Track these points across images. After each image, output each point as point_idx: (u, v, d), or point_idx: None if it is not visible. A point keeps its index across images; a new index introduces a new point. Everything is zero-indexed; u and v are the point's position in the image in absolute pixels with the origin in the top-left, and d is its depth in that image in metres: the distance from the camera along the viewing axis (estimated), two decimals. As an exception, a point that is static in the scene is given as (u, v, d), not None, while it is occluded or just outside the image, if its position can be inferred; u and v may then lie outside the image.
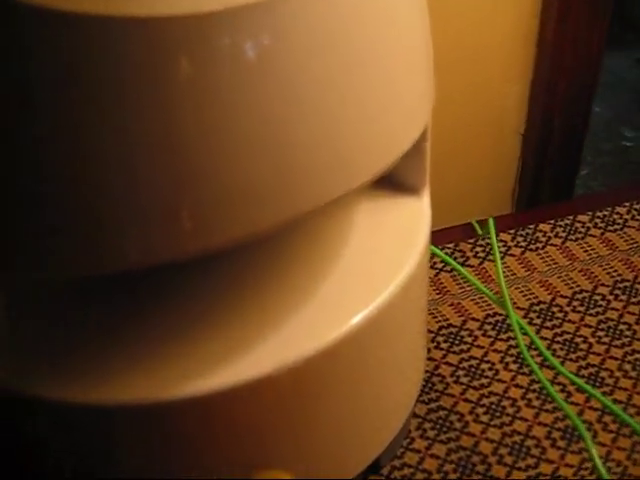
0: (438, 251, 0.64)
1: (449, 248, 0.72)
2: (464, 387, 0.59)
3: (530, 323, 0.63)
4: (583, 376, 0.58)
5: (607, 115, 1.65)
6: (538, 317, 0.64)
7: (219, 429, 0.39)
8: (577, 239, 0.74)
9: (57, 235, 0.32)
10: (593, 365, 0.60)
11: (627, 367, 0.59)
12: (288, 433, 0.42)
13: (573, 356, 0.61)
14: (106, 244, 0.32)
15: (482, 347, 0.62)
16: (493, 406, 0.57)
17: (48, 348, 0.40)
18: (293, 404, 0.41)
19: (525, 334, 0.60)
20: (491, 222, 0.66)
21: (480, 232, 0.70)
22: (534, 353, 0.60)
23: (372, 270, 0.44)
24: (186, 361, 0.39)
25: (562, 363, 0.60)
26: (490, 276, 0.69)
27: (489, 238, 0.70)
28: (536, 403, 0.58)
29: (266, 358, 0.39)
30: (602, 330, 0.64)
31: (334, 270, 0.44)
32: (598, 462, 0.50)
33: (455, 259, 0.71)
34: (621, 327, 0.64)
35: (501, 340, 0.63)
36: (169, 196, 0.32)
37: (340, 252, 0.45)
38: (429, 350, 0.61)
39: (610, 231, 0.75)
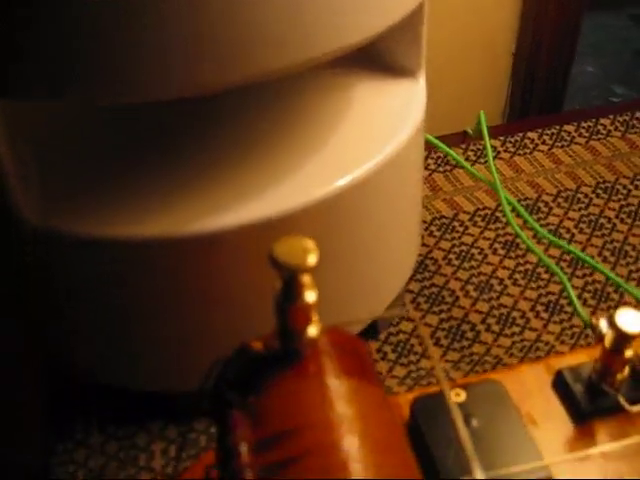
0: (436, 141, 0.68)
1: (442, 153, 0.76)
2: (455, 268, 0.63)
3: (517, 216, 0.68)
4: (565, 260, 0.63)
5: (599, 73, 1.68)
6: (525, 210, 0.69)
7: (243, 261, 0.44)
8: (563, 146, 0.78)
9: (103, 67, 0.36)
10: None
11: (606, 254, 0.64)
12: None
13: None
14: (144, 75, 0.36)
15: (472, 235, 0.67)
16: (482, 284, 0.62)
17: (80, 189, 0.44)
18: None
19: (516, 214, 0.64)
20: (482, 115, 0.70)
21: (472, 133, 0.74)
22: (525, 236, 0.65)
23: (373, 133, 0.48)
24: (212, 198, 0.43)
25: (545, 250, 0.64)
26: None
27: (480, 143, 0.74)
28: (522, 282, 0.62)
29: (284, 197, 0.43)
30: (584, 223, 0.68)
31: (339, 130, 0.48)
32: (573, 296, 0.55)
33: (448, 162, 0.75)
34: (601, 220, 0.69)
35: (489, 230, 0.67)
36: (192, 36, 0.36)
37: (344, 118, 0.50)
38: (423, 237, 0.65)
39: (594, 140, 0.79)
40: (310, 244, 0.29)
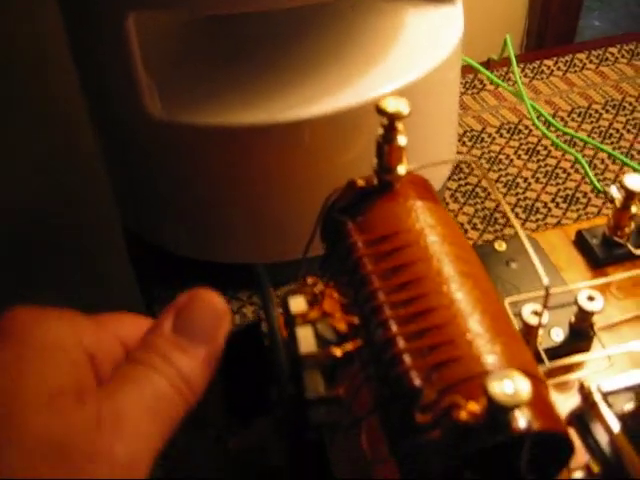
0: (471, 61, 0.79)
1: (469, 77, 0.87)
2: (486, 170, 0.75)
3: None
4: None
5: (606, 27, 1.77)
6: (544, 124, 0.80)
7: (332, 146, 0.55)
8: (575, 71, 0.89)
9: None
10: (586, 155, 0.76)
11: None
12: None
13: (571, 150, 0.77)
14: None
15: (499, 145, 0.78)
16: (509, 182, 0.73)
17: (194, 87, 0.56)
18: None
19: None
20: (508, 37, 0.80)
21: (496, 58, 0.85)
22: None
23: (418, 50, 0.59)
24: (303, 93, 0.55)
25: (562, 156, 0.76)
26: (505, 99, 0.85)
27: (502, 69, 0.85)
28: (543, 180, 0.74)
29: (359, 93, 0.55)
30: (595, 133, 0.80)
31: (389, 47, 0.60)
32: (593, 179, 0.66)
33: (474, 86, 0.86)
34: (611, 131, 0.80)
35: (514, 140, 0.78)
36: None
37: (393, 37, 0.61)
38: (457, 147, 0.77)
39: (604, 65, 0.90)
40: (403, 101, 0.40)
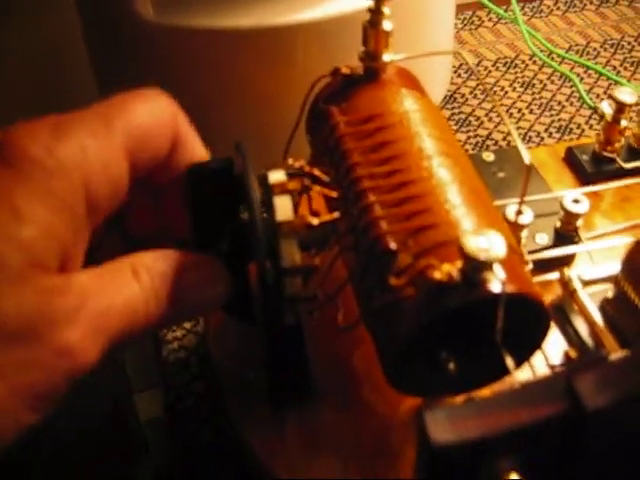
0: None
1: (468, 13, 0.86)
2: (479, 100, 0.74)
3: (534, 63, 0.78)
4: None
5: None
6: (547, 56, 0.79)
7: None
8: (575, 11, 0.88)
9: None
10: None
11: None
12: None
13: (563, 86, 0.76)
14: None
15: (495, 77, 0.77)
16: (503, 113, 0.72)
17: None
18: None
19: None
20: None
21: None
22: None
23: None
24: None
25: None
26: (503, 35, 0.84)
27: (502, 6, 0.84)
28: (537, 112, 0.73)
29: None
30: (586, 74, 0.79)
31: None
32: (583, 94, 0.66)
33: (473, 22, 0.85)
34: (608, 68, 0.79)
35: (509, 73, 0.78)
36: None
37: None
38: (452, 78, 0.76)
39: (604, 7, 0.89)
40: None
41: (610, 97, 0.53)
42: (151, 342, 0.56)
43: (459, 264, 0.30)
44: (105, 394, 0.52)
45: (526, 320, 0.32)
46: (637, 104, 0.54)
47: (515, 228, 0.45)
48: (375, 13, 0.40)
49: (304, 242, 0.37)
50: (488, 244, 0.29)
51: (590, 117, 0.72)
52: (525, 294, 0.31)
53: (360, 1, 0.52)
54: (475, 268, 0.29)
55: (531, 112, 0.73)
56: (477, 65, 0.79)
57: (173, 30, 0.53)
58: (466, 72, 0.78)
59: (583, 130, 0.71)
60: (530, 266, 0.44)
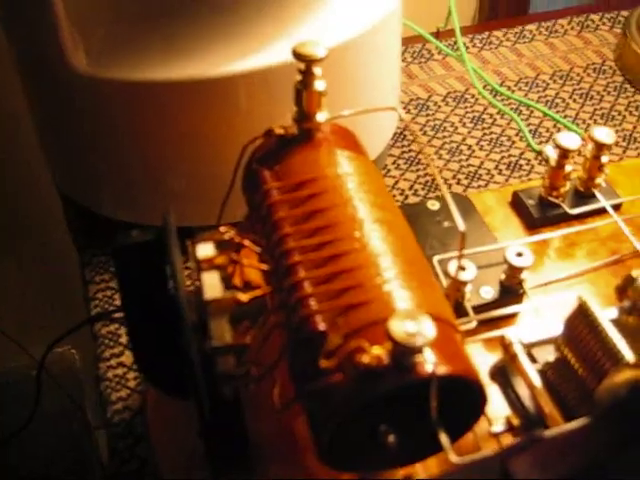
0: (414, 26, 0.78)
1: (417, 47, 0.86)
2: (430, 137, 0.73)
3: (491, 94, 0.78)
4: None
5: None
6: (490, 93, 0.79)
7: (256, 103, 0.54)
8: (525, 42, 0.88)
9: None
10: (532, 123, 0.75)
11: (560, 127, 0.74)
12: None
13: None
14: None
15: (444, 112, 0.77)
16: (453, 149, 0.72)
17: (118, 42, 0.54)
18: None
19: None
20: (452, 6, 0.79)
21: (443, 26, 0.83)
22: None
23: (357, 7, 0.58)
24: (230, 48, 0.53)
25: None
26: (453, 68, 0.84)
27: (452, 39, 0.84)
28: (487, 148, 0.72)
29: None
30: (541, 102, 0.79)
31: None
32: (529, 136, 0.65)
33: (422, 55, 0.85)
34: (557, 101, 0.79)
35: (460, 108, 0.77)
36: None
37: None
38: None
39: (553, 37, 0.89)
40: (319, 44, 0.38)
41: (554, 142, 0.52)
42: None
43: (389, 345, 0.29)
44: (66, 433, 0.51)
45: (461, 396, 0.31)
46: (584, 146, 0.54)
47: (458, 283, 0.44)
48: (306, 74, 0.39)
49: (236, 316, 0.35)
50: (416, 328, 0.28)
51: (540, 153, 0.72)
52: (458, 375, 0.30)
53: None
54: (404, 352, 0.28)
55: (481, 148, 0.73)
56: (427, 100, 0.78)
57: (106, 83, 0.52)
58: (416, 107, 0.78)
59: (533, 166, 0.71)
60: (474, 324, 0.44)
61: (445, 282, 0.45)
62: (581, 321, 0.35)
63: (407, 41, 0.85)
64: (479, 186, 0.68)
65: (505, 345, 0.38)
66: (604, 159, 0.53)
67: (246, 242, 0.36)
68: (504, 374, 0.38)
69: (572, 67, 0.84)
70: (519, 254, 0.44)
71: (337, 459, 0.33)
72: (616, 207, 0.54)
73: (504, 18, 0.98)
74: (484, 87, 0.76)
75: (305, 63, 0.38)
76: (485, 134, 0.74)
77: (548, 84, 0.81)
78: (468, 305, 0.44)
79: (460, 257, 0.37)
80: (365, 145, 0.66)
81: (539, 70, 0.83)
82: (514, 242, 0.48)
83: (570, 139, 0.51)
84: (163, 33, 0.55)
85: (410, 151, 0.72)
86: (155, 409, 0.41)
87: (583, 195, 0.54)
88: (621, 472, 0.28)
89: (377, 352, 0.29)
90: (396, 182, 0.68)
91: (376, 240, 0.34)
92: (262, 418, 0.39)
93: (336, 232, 0.35)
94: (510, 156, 0.71)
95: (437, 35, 0.86)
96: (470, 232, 0.50)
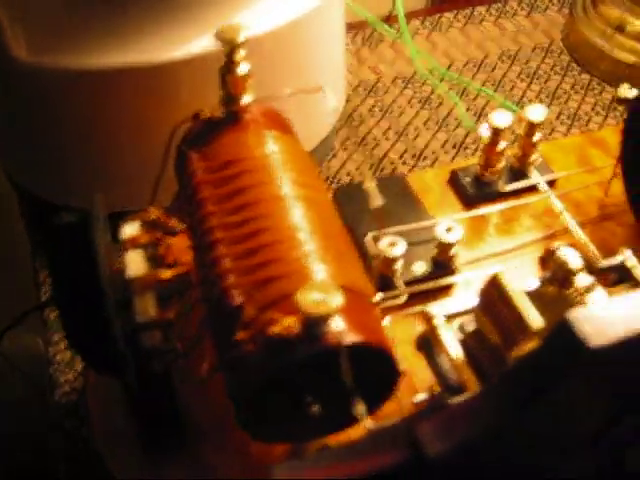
0: (360, 9, 0.78)
1: (368, 31, 0.87)
2: (378, 119, 0.75)
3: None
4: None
5: None
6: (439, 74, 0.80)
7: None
8: (474, 24, 0.89)
9: None
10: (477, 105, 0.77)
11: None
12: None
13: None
14: None
15: (393, 95, 0.78)
16: (400, 130, 0.73)
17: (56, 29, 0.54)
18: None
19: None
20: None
21: (392, 10, 0.84)
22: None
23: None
24: (165, 33, 0.53)
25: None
26: (402, 51, 0.85)
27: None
28: (434, 128, 0.74)
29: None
30: (489, 83, 0.80)
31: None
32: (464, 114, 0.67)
33: (373, 40, 0.86)
34: (504, 80, 0.80)
35: (408, 89, 0.78)
36: None
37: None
38: (350, 96, 0.76)
39: (502, 18, 0.90)
40: (242, 28, 0.39)
41: (487, 122, 0.53)
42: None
43: (300, 316, 0.30)
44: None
45: (375, 366, 0.33)
46: (536, 123, 0.55)
47: (389, 259, 0.45)
48: (229, 58, 0.40)
49: (164, 293, 0.36)
50: (323, 298, 0.29)
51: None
52: (366, 343, 0.31)
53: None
54: (313, 322, 0.30)
55: (428, 129, 0.74)
56: (376, 83, 0.79)
57: (45, 70, 0.53)
58: (365, 89, 0.79)
59: (479, 146, 0.72)
60: (403, 299, 0.45)
61: (377, 259, 0.46)
62: (494, 292, 0.36)
63: (359, 25, 0.86)
64: (425, 166, 0.69)
65: (427, 317, 0.39)
66: (537, 137, 0.54)
67: (172, 222, 0.37)
68: (428, 345, 0.40)
69: (520, 48, 0.85)
70: (449, 229, 0.46)
71: (259, 430, 0.34)
72: (551, 183, 0.56)
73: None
74: (433, 70, 0.77)
75: (227, 47, 0.39)
76: (432, 115, 0.75)
77: (496, 64, 0.83)
78: (399, 280, 0.45)
79: (381, 234, 0.38)
80: (309, 127, 0.67)
81: (488, 51, 0.84)
82: (445, 219, 0.49)
83: (502, 118, 0.52)
84: (102, 20, 0.55)
85: (356, 136, 0.73)
86: (94, 389, 0.42)
87: (518, 172, 0.55)
88: (518, 437, 0.29)
89: (288, 322, 0.30)
90: (343, 164, 0.69)
91: (296, 217, 0.36)
92: (193, 394, 0.40)
93: (258, 209, 0.36)
94: (456, 136, 0.72)
95: (388, 19, 0.87)
96: (405, 211, 0.51)
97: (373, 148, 0.70)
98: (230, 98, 0.41)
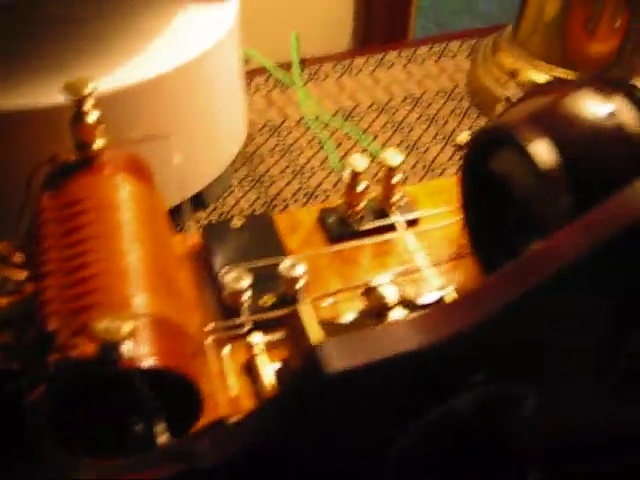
0: (258, 56, 0.83)
1: (281, 74, 0.92)
2: (277, 159, 0.79)
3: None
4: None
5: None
6: (343, 116, 0.85)
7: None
8: (384, 68, 0.95)
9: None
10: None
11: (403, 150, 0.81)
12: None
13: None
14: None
15: (295, 136, 0.83)
16: (296, 171, 0.78)
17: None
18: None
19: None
20: (294, 35, 0.85)
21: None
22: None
23: (189, 33, 0.64)
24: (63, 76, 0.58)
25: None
26: (311, 95, 0.90)
27: (312, 67, 0.90)
28: (329, 169, 0.79)
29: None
30: (389, 126, 0.85)
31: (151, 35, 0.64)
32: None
33: (284, 84, 0.91)
34: (404, 123, 0.86)
35: (310, 131, 0.83)
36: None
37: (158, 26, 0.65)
38: (254, 136, 0.81)
39: (411, 63, 0.96)
40: (87, 82, 0.44)
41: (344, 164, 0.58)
42: None
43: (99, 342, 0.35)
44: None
45: (177, 392, 0.37)
46: (393, 167, 0.59)
47: (236, 293, 0.50)
48: (77, 108, 0.44)
49: (6, 318, 0.41)
50: (117, 325, 0.34)
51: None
52: (162, 368, 0.35)
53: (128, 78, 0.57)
54: (108, 347, 0.34)
55: (323, 170, 0.78)
56: (281, 124, 0.84)
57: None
58: (269, 131, 0.83)
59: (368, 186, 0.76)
60: (246, 328, 0.49)
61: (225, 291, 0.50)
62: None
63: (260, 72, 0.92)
64: (316, 203, 0.73)
65: (249, 346, 0.44)
66: (396, 179, 0.59)
67: (16, 256, 0.41)
68: (250, 369, 0.44)
69: (425, 92, 0.90)
70: (292, 266, 0.50)
71: (76, 446, 0.38)
72: (413, 222, 0.60)
73: (377, 44, 1.04)
74: (335, 113, 0.82)
75: (74, 99, 0.44)
76: (325, 160, 0.80)
77: (399, 107, 0.88)
78: (245, 311, 0.49)
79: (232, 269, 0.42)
80: (204, 165, 0.72)
81: (392, 94, 0.90)
82: (294, 256, 0.53)
83: (359, 161, 0.57)
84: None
85: (257, 174, 0.77)
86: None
87: (380, 212, 0.60)
88: (299, 444, 0.33)
89: (88, 347, 0.34)
90: (238, 201, 0.74)
91: (126, 252, 0.40)
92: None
93: (90, 245, 0.40)
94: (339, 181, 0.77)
95: (304, 63, 0.92)
96: (264, 248, 0.56)
97: (269, 186, 0.74)
98: (81, 145, 0.46)
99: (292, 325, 0.41)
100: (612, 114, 0.43)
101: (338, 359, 0.30)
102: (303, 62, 0.94)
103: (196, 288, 0.54)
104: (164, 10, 0.67)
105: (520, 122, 0.43)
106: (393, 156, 0.58)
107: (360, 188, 0.58)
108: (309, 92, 0.89)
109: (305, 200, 0.73)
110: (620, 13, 0.81)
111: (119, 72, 0.59)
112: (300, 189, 0.75)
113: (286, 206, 0.73)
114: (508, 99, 0.54)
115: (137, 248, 0.41)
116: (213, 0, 0.68)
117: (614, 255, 0.31)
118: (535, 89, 0.54)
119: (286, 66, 0.93)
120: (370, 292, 0.45)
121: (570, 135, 0.42)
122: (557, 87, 0.52)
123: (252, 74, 0.90)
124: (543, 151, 0.42)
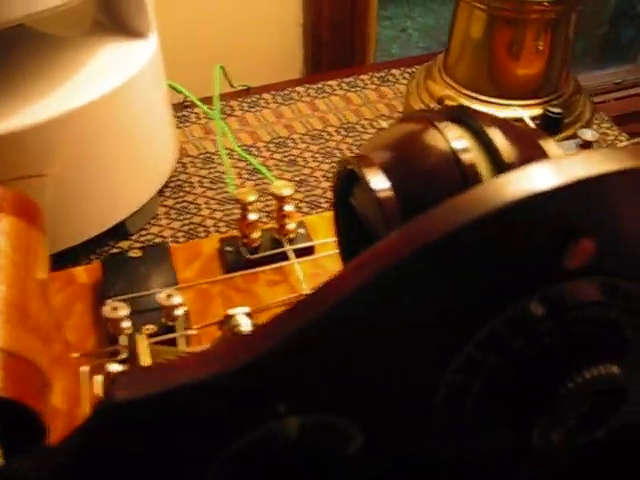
0: (180, 87, 0.87)
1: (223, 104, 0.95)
2: (205, 189, 0.82)
3: (268, 150, 0.87)
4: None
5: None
6: (275, 146, 0.88)
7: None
8: (324, 97, 0.97)
9: None
10: (304, 174, 0.84)
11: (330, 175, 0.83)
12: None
13: (291, 169, 0.85)
14: None
15: (225, 166, 0.86)
16: (223, 200, 0.81)
17: None
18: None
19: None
20: (218, 68, 0.88)
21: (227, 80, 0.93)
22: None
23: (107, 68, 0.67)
24: None
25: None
26: (247, 123, 0.93)
27: (258, 96, 0.93)
28: (262, 200, 0.81)
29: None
30: (320, 154, 0.88)
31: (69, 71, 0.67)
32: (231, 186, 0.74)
33: (225, 112, 0.94)
34: (335, 151, 0.88)
35: (242, 161, 0.86)
36: None
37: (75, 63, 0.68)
38: (186, 165, 0.84)
39: (352, 92, 0.98)
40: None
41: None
42: None
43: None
44: None
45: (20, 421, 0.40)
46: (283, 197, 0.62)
47: (115, 322, 0.53)
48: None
49: None
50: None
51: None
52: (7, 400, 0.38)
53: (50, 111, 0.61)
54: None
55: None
56: (213, 154, 0.87)
57: None
58: (202, 161, 0.86)
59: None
60: (124, 355, 0.52)
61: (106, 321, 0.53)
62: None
63: (210, 100, 0.94)
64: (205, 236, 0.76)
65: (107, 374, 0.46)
66: (287, 208, 0.61)
67: None
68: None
69: (360, 119, 0.93)
70: (169, 296, 0.53)
71: None
72: (309, 250, 0.63)
73: (327, 71, 1.07)
74: (271, 140, 0.86)
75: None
76: (257, 184, 0.83)
77: (332, 136, 0.90)
78: (123, 340, 0.52)
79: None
80: (128, 195, 0.75)
81: (328, 123, 0.92)
82: (182, 285, 0.56)
83: (247, 193, 0.59)
84: None
85: (184, 202, 0.80)
86: None
87: (275, 241, 0.63)
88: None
89: None
90: (161, 230, 0.77)
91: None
92: None
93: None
94: (273, 205, 0.80)
95: (247, 92, 0.95)
96: (158, 277, 0.59)
97: (192, 217, 0.77)
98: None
99: (131, 354, 0.43)
100: (444, 142, 0.44)
101: (124, 388, 0.32)
102: (247, 91, 0.97)
103: (88, 318, 0.57)
104: (79, 51, 0.70)
105: (365, 153, 0.45)
106: (282, 187, 0.61)
107: (250, 218, 0.60)
108: (244, 121, 0.92)
109: (225, 229, 0.76)
110: (543, 35, 0.83)
111: (37, 107, 0.63)
112: (221, 219, 0.77)
113: (207, 234, 0.75)
114: (380, 129, 0.56)
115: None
116: (134, 36, 0.71)
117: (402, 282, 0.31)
118: (403, 118, 0.56)
119: (229, 96, 0.96)
120: (224, 322, 0.48)
121: (404, 165, 0.44)
122: (418, 117, 0.54)
123: (193, 105, 0.93)
124: (378, 180, 0.43)
